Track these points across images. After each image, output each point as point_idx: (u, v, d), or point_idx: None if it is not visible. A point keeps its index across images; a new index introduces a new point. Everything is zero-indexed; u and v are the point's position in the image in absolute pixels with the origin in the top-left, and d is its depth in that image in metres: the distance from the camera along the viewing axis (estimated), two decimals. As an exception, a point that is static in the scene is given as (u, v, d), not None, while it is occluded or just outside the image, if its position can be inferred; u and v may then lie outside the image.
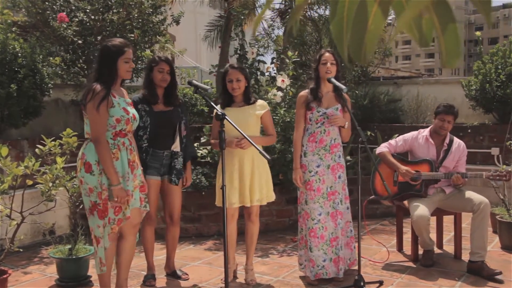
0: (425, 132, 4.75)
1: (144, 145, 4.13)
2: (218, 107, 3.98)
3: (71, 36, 6.24)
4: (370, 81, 9.21)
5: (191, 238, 5.73)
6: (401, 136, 4.86)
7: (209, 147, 6.12)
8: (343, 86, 4.04)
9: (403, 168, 4.63)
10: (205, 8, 18.47)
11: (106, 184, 3.44)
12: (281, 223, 6.12)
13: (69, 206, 4.60)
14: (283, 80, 5.57)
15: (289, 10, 8.50)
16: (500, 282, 4.17)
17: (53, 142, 3.77)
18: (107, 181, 3.44)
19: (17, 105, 5.55)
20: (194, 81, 3.88)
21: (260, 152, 3.51)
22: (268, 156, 3.45)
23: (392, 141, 4.85)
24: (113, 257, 3.66)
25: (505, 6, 76.51)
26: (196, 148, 6.16)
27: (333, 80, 4.11)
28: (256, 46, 6.30)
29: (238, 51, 6.14)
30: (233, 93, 4.11)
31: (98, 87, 3.41)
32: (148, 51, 6.98)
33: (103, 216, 3.46)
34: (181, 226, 5.54)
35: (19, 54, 5.61)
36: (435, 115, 4.69)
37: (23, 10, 6.40)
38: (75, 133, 3.97)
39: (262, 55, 6.27)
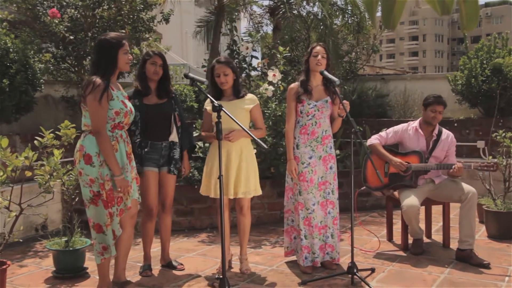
0: (415, 123, 4.87)
1: (138, 139, 4.18)
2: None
3: (63, 32, 6.26)
4: (358, 77, 9.34)
5: (184, 231, 5.79)
6: (391, 128, 4.97)
7: (200, 142, 6.18)
8: (335, 79, 4.12)
9: (397, 160, 4.73)
10: (191, 6, 18.54)
11: (109, 175, 3.50)
12: (273, 216, 6.20)
13: (65, 198, 4.64)
14: (274, 75, 5.65)
15: (281, 6, 8.56)
16: (487, 268, 4.30)
17: (51, 134, 3.81)
18: (109, 172, 3.50)
19: (9, 100, 5.56)
20: (191, 74, 3.94)
21: (258, 143, 3.58)
22: (265, 146, 3.53)
23: (382, 133, 4.96)
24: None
25: (487, 4, 77.45)
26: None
27: (326, 72, 4.19)
28: (251, 41, 6.36)
29: (231, 47, 6.22)
30: (222, 87, 4.18)
31: (98, 80, 3.46)
32: (136, 49, 7.02)
33: (110, 206, 3.52)
34: (174, 219, 5.62)
35: (11, 50, 5.62)
36: (425, 107, 4.79)
37: (14, 5, 6.39)
38: (73, 125, 4.01)
39: (255, 50, 6.36)
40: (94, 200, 3.53)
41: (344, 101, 4.13)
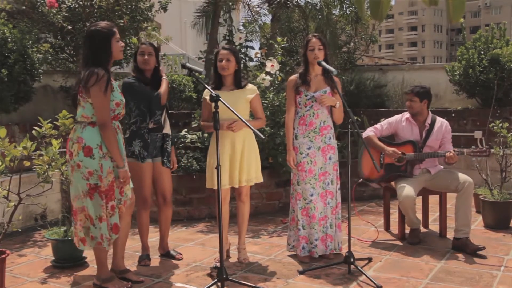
0: (408, 114, 4.90)
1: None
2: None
3: (61, 21, 6.24)
4: (356, 67, 9.34)
5: (182, 221, 5.82)
6: (386, 120, 5.00)
7: (199, 132, 6.19)
8: (333, 69, 4.13)
9: (390, 149, 4.76)
10: (190, -5, 18.50)
11: (111, 167, 3.51)
12: (271, 205, 6.24)
13: (64, 188, 4.66)
14: (272, 65, 5.66)
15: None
16: (484, 257, 4.34)
17: (49, 124, 3.82)
18: (111, 164, 3.51)
19: (7, 90, 5.56)
20: (188, 64, 3.94)
21: (255, 132, 3.60)
22: (262, 136, 3.55)
23: (377, 125, 4.98)
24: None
25: (486, -5, 77.01)
26: (185, 133, 6.25)
27: (323, 63, 4.20)
28: (244, 32, 6.35)
29: (227, 37, 6.21)
30: (222, 72, 4.18)
31: (101, 71, 3.42)
32: (134, 38, 7.01)
33: (111, 198, 3.53)
34: (173, 209, 5.63)
35: (9, 39, 5.61)
36: None
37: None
38: (71, 115, 4.02)
39: (250, 40, 6.35)
40: (90, 193, 3.52)
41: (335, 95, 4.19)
